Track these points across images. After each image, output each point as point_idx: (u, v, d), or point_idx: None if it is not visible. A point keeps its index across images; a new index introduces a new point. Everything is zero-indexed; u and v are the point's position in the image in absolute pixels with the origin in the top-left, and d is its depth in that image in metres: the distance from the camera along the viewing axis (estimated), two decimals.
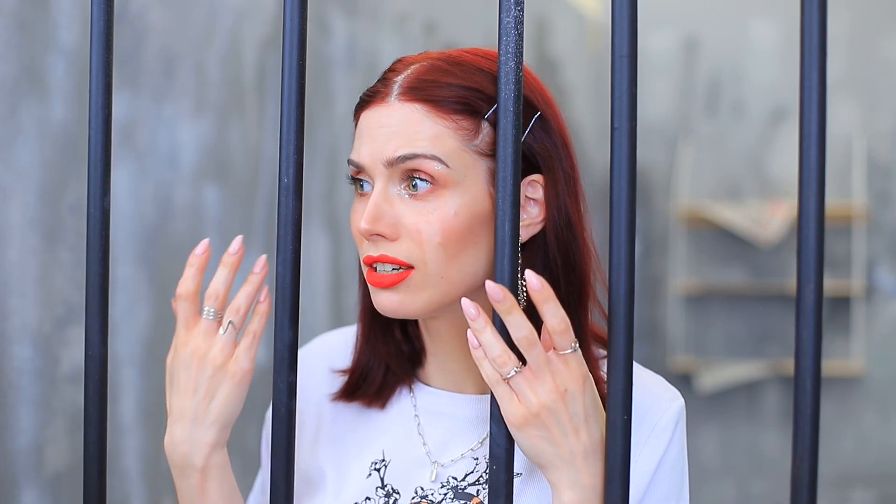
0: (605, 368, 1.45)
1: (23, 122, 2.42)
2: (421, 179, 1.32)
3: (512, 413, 1.20)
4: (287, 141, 1.21)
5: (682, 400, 1.46)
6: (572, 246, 1.41)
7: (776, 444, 6.45)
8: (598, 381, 1.36)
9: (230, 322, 1.34)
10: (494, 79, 1.36)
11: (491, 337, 1.20)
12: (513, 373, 1.20)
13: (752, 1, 6.70)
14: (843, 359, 6.32)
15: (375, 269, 1.35)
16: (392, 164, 1.32)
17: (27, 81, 2.44)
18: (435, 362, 1.50)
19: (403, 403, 1.52)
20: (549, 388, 1.19)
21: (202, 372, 1.32)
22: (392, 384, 1.52)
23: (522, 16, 1.17)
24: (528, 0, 1.20)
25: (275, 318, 1.23)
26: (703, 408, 6.56)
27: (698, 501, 6.49)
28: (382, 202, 1.33)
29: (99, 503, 1.30)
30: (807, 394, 1.05)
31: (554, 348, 1.21)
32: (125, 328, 2.79)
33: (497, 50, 1.18)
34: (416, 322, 1.51)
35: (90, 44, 1.26)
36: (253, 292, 1.37)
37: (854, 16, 6.36)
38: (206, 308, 1.35)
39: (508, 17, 1.17)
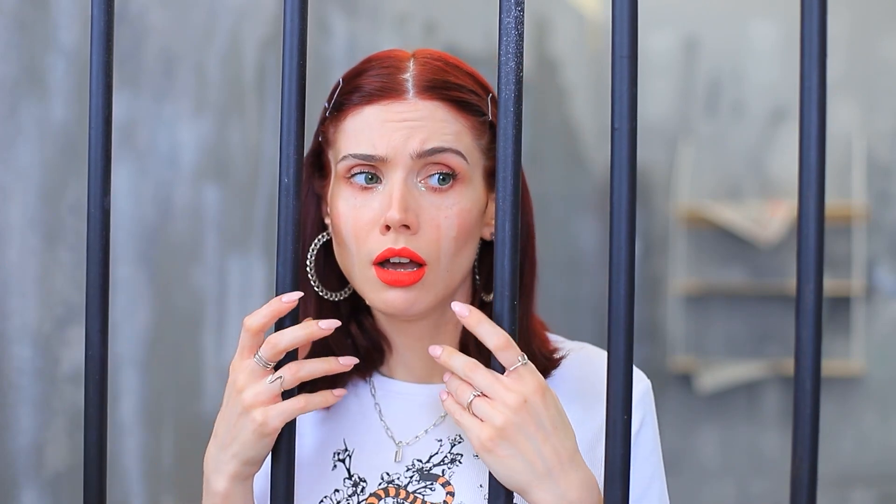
0: (554, 340, 1.51)
1: (23, 122, 2.42)
2: (443, 174, 1.34)
3: (479, 436, 1.19)
4: (287, 141, 1.21)
5: (648, 381, 1.48)
6: (526, 246, 1.46)
7: (776, 444, 6.45)
8: (550, 355, 1.46)
9: (280, 378, 1.25)
10: (477, 80, 1.41)
11: (450, 374, 1.24)
12: (471, 397, 1.21)
13: (752, 1, 6.70)
14: (843, 359, 6.32)
15: (387, 265, 1.34)
16: (421, 156, 1.33)
17: (27, 81, 2.44)
18: (401, 358, 1.50)
19: (362, 395, 1.51)
20: (509, 401, 1.19)
21: (234, 406, 1.27)
22: (343, 378, 1.49)
23: (523, 16, 1.17)
24: (528, 0, 1.20)
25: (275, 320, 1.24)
26: (703, 408, 6.56)
27: (698, 501, 6.49)
28: (406, 193, 1.33)
29: (99, 503, 1.30)
30: (807, 394, 1.05)
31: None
32: (125, 328, 2.79)
33: (497, 50, 1.18)
34: (371, 317, 1.50)
35: (90, 44, 1.26)
36: (323, 371, 1.29)
37: (854, 16, 6.36)
38: (260, 352, 1.26)
39: (509, 17, 1.17)
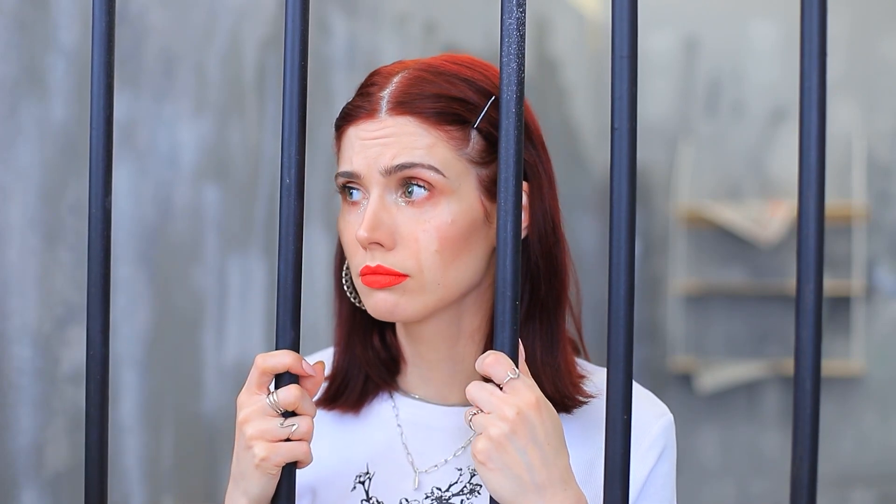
0: (586, 369, 1.49)
1: (23, 122, 2.42)
2: (418, 186, 1.33)
3: (476, 448, 1.20)
4: (289, 142, 1.21)
5: (671, 416, 1.46)
6: (555, 250, 1.44)
7: (776, 444, 6.45)
8: (570, 383, 1.42)
9: (294, 427, 1.25)
10: (476, 87, 1.39)
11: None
12: (470, 417, 1.22)
13: (752, 1, 6.70)
14: (843, 359, 6.32)
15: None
16: (390, 172, 1.33)
17: (27, 81, 2.44)
18: (416, 371, 1.50)
19: (385, 414, 1.51)
20: (503, 414, 1.19)
21: (240, 441, 1.27)
22: (371, 391, 1.52)
23: (524, 17, 1.17)
24: (528, 0, 1.20)
25: (276, 319, 1.23)
26: (703, 408, 6.56)
27: (698, 501, 6.49)
28: (380, 210, 1.34)
29: (100, 503, 1.30)
30: (806, 394, 1.05)
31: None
32: (125, 328, 2.79)
33: (499, 52, 1.19)
34: (393, 329, 1.51)
35: (91, 44, 1.26)
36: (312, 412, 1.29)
37: (854, 16, 6.36)
38: (272, 396, 1.26)
39: (510, 18, 1.17)
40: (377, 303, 1.35)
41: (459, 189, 1.35)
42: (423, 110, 1.34)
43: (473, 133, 1.36)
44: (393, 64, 1.43)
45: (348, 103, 1.41)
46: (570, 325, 1.49)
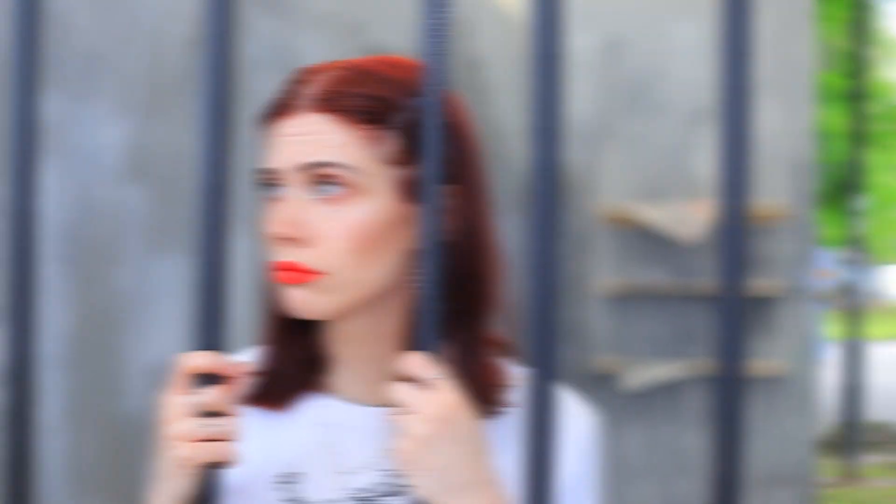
0: (517, 376, 1.47)
1: None
2: (333, 185, 1.34)
3: (399, 448, 1.21)
4: (210, 142, 1.20)
5: (596, 416, 1.47)
6: (475, 255, 1.43)
7: (699, 444, 6.50)
8: (495, 386, 1.42)
9: (217, 426, 1.24)
10: (401, 87, 1.38)
11: None
12: (393, 417, 1.22)
13: (675, 1, 6.74)
14: (765, 359, 6.38)
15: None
16: (304, 169, 1.34)
17: None
18: (345, 371, 1.49)
19: (310, 414, 1.50)
20: (425, 414, 1.20)
21: (162, 441, 1.27)
22: (297, 391, 1.51)
23: (450, 17, 1.17)
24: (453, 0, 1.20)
25: (198, 319, 1.23)
26: (626, 408, 6.60)
27: (623, 501, 6.51)
28: (296, 207, 1.35)
29: None
30: (728, 393, 1.06)
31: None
32: (49, 328, 2.77)
33: (423, 52, 1.18)
34: (321, 328, 1.51)
35: (10, 43, 1.24)
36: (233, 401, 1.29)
37: (777, 16, 6.42)
38: (194, 396, 1.25)
39: (434, 18, 1.17)
40: (291, 298, 1.36)
41: (373, 188, 1.35)
42: (341, 108, 1.35)
43: (392, 133, 1.36)
44: (322, 63, 1.43)
45: (272, 99, 1.41)
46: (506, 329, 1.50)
